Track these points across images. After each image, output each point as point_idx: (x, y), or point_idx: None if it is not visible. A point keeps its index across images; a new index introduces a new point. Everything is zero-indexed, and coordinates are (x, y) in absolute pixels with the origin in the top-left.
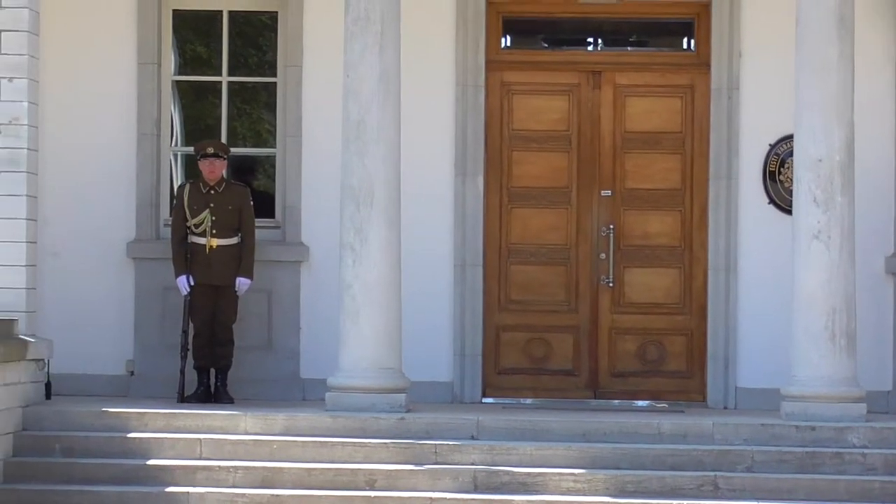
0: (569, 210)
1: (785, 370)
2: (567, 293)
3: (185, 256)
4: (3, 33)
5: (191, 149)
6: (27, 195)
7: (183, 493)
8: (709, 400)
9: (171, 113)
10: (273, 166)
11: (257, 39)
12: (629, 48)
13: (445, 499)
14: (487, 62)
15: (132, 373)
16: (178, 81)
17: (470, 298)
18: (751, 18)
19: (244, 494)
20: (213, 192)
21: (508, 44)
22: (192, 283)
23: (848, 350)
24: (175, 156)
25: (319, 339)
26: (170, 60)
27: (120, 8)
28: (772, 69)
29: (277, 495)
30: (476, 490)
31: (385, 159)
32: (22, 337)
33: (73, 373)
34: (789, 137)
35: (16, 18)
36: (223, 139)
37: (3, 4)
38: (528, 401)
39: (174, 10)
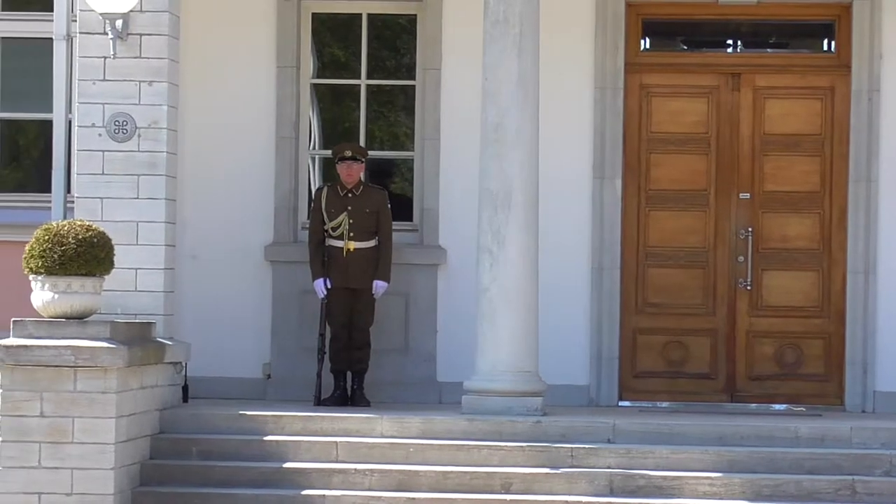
0: (707, 213)
1: None
2: (705, 296)
3: (323, 260)
4: (143, 37)
5: (329, 152)
6: (166, 198)
7: (319, 496)
8: (847, 404)
9: (310, 116)
10: (411, 169)
11: (395, 42)
12: (769, 50)
13: (581, 502)
14: (626, 64)
15: (269, 376)
16: (316, 85)
17: (607, 301)
18: (892, 21)
19: (380, 498)
20: (350, 195)
21: (647, 46)
22: (330, 287)
23: None
24: (313, 159)
25: (456, 342)
26: (309, 64)
27: (259, 12)
28: None
29: (413, 498)
30: (612, 493)
31: (523, 162)
32: (160, 340)
33: (210, 376)
34: None
35: (156, 22)
36: (361, 142)
37: (143, 8)
38: (665, 404)
39: (313, 14)
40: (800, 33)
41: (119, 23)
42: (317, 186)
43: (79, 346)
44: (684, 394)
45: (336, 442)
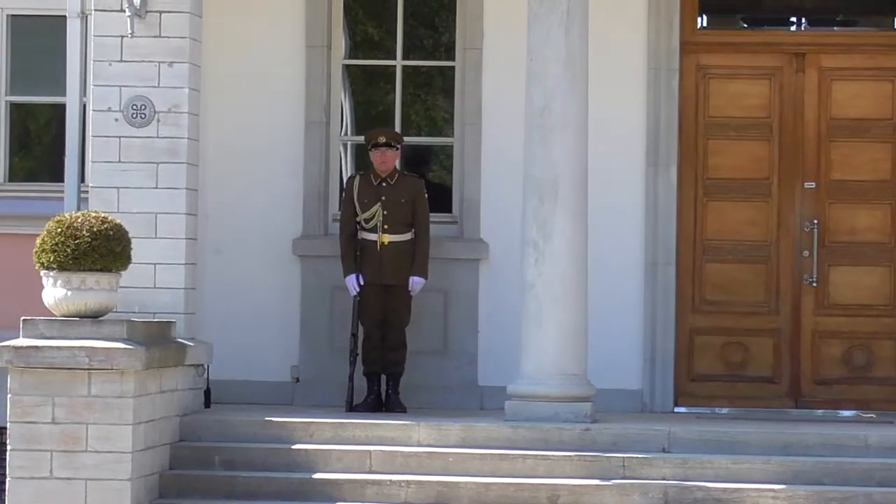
0: (769, 203)
1: None
2: (767, 293)
3: (355, 254)
4: (162, 14)
5: (361, 138)
6: (187, 188)
7: None
8: None
9: (341, 100)
10: (450, 156)
11: (433, 20)
12: (835, 28)
13: None
14: (682, 44)
15: (297, 379)
16: (348, 66)
17: (661, 299)
18: None
19: None
20: (385, 184)
21: (705, 24)
22: (363, 283)
23: None
24: (345, 146)
25: (498, 342)
26: (340, 43)
27: None
28: None
29: None
30: None
31: (571, 149)
32: (180, 340)
33: (234, 379)
34: None
35: None
36: (396, 127)
37: None
38: (724, 410)
39: None
40: (869, 10)
41: None
42: (348, 175)
43: (93, 347)
44: (745, 399)
45: (370, 451)
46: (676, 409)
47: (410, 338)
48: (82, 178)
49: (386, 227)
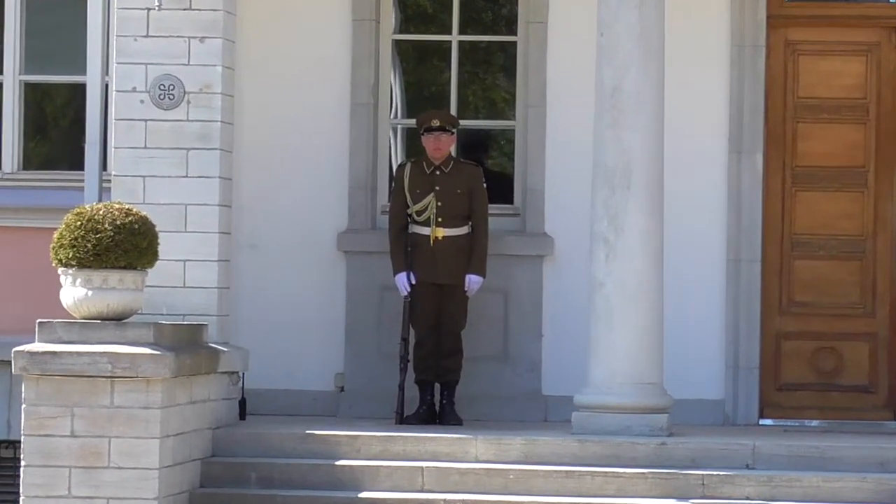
0: (865, 194)
1: None
2: (862, 294)
3: (406, 250)
4: None
5: (413, 121)
6: (220, 177)
7: None
8: None
9: (391, 79)
10: (511, 142)
11: None
12: None
13: None
14: (769, 17)
15: (342, 388)
16: (399, 41)
17: (745, 300)
18: None
19: None
20: (438, 172)
21: None
22: (414, 282)
23: None
24: (395, 130)
25: (565, 348)
26: (390, 17)
27: None
28: None
29: None
30: None
31: (645, 133)
32: (212, 345)
33: (271, 388)
34: None
35: None
36: (452, 110)
37: None
38: (814, 422)
39: None
40: None
41: None
42: (399, 163)
43: (117, 353)
44: (838, 410)
45: (422, 467)
46: (762, 422)
47: (467, 343)
48: (104, 166)
49: (440, 219)
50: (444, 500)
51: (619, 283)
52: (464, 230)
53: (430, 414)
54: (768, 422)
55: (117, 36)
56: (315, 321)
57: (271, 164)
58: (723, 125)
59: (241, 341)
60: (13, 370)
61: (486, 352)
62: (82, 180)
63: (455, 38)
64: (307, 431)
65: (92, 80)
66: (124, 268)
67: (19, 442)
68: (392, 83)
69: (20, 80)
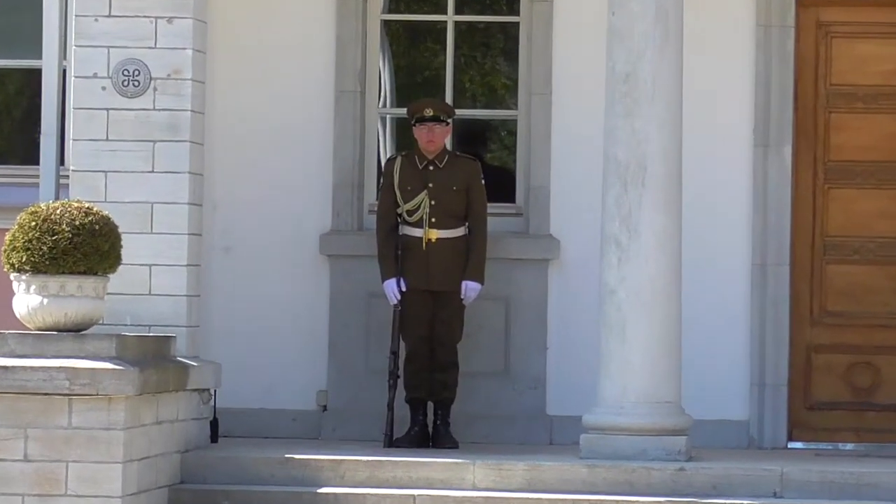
0: None
1: None
2: None
3: (396, 253)
4: None
5: (404, 111)
6: (190, 172)
7: None
8: None
9: (379, 64)
10: (512, 133)
11: None
12: None
13: None
14: None
15: (325, 407)
16: (388, 21)
17: (772, 309)
18: None
19: None
20: (432, 167)
21: None
22: (405, 289)
23: None
24: (383, 120)
25: (572, 362)
26: None
27: None
28: None
29: None
30: None
31: (662, 124)
32: (181, 359)
33: (246, 407)
34: None
35: None
36: (447, 98)
37: None
38: (849, 446)
39: None
40: None
41: None
42: (388, 156)
43: (75, 368)
44: (875, 432)
45: (413, 496)
46: (790, 445)
47: (463, 357)
48: (62, 161)
49: (433, 220)
50: None
51: (632, 289)
52: (460, 232)
53: (422, 436)
54: (798, 445)
55: (76, 16)
56: (295, 333)
57: (247, 159)
58: (747, 115)
59: (212, 355)
60: None
61: (484, 367)
62: (37, 176)
63: (451, 17)
64: (286, 455)
65: (48, 65)
66: (84, 273)
67: None
68: (381, 68)
69: None
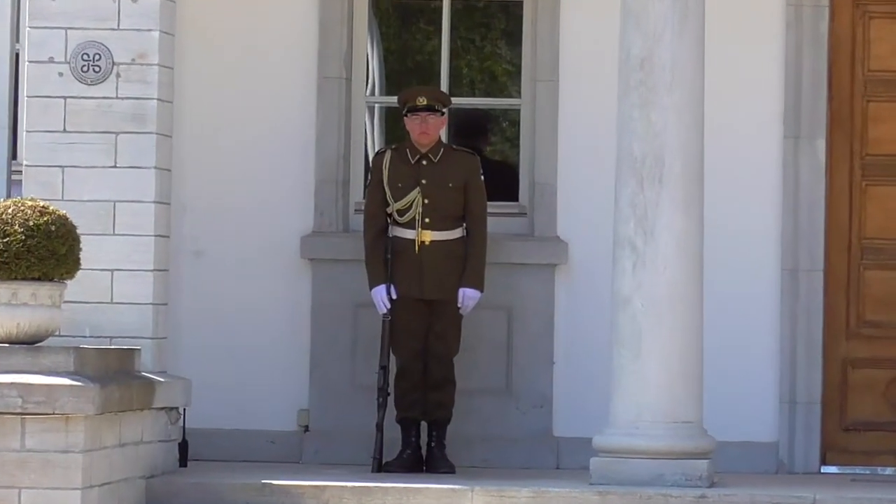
0: None
1: None
2: None
3: (386, 257)
4: None
5: (394, 99)
6: (157, 167)
7: None
8: None
9: (367, 47)
10: (515, 124)
11: None
12: None
13: None
14: None
15: (306, 428)
16: (377, 1)
17: (804, 319)
18: None
19: None
20: (425, 162)
21: None
22: (395, 297)
23: None
24: (371, 109)
25: (582, 378)
26: None
27: None
28: None
29: None
30: None
31: (682, 114)
32: (147, 375)
33: (219, 427)
34: None
35: None
36: (442, 85)
37: None
38: (889, 470)
39: None
40: None
41: None
42: (376, 150)
43: (29, 384)
44: None
45: None
46: (824, 469)
47: (461, 372)
48: (14, 155)
49: (427, 220)
50: None
51: (648, 298)
52: (456, 233)
53: (415, 460)
54: (832, 469)
55: None
56: (274, 345)
57: (220, 153)
58: (776, 104)
59: (181, 370)
60: None
61: (484, 383)
62: None
63: None
64: (263, 481)
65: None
66: (38, 279)
67: None
68: (368, 52)
69: None
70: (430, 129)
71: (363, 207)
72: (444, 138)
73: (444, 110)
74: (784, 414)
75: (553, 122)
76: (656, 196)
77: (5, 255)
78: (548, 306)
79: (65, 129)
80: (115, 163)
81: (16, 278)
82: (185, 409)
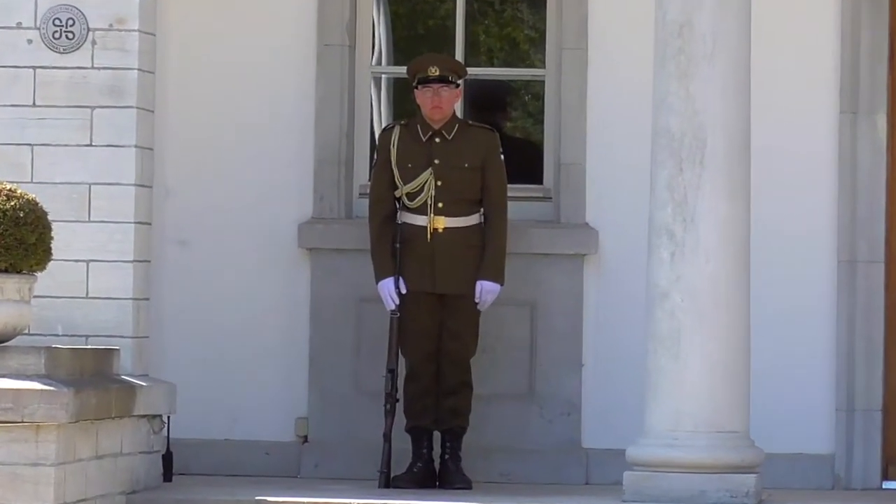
0: None
1: None
2: None
3: (394, 247)
4: None
5: (403, 70)
6: (137, 146)
7: None
8: None
9: (373, 12)
10: (539, 98)
11: None
12: None
13: None
14: None
15: (305, 439)
16: None
17: (863, 316)
18: None
19: None
20: (438, 139)
21: None
22: (405, 292)
23: None
24: (377, 80)
25: (613, 383)
26: None
27: None
28: None
29: None
30: None
31: (724, 87)
32: (126, 378)
33: (207, 438)
34: None
35: None
36: (457, 54)
37: None
38: None
39: None
40: None
41: None
42: (384, 126)
43: None
44: None
45: None
46: (885, 485)
47: (478, 375)
48: None
49: (440, 205)
50: None
51: (688, 292)
52: (473, 220)
53: (427, 474)
54: (894, 485)
55: None
56: (268, 346)
57: (208, 130)
58: (832, 75)
59: (165, 373)
60: None
61: (504, 388)
62: None
63: None
64: (257, 497)
65: None
66: (5, 271)
67: None
68: (374, 18)
69: None
70: (443, 103)
71: (368, 191)
72: (459, 113)
73: (459, 82)
74: (841, 423)
75: (581, 94)
76: (697, 179)
77: None
78: (576, 302)
79: (34, 103)
80: (91, 141)
81: None
82: (169, 417)
